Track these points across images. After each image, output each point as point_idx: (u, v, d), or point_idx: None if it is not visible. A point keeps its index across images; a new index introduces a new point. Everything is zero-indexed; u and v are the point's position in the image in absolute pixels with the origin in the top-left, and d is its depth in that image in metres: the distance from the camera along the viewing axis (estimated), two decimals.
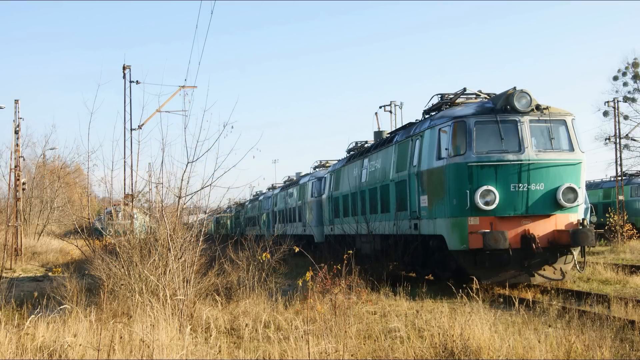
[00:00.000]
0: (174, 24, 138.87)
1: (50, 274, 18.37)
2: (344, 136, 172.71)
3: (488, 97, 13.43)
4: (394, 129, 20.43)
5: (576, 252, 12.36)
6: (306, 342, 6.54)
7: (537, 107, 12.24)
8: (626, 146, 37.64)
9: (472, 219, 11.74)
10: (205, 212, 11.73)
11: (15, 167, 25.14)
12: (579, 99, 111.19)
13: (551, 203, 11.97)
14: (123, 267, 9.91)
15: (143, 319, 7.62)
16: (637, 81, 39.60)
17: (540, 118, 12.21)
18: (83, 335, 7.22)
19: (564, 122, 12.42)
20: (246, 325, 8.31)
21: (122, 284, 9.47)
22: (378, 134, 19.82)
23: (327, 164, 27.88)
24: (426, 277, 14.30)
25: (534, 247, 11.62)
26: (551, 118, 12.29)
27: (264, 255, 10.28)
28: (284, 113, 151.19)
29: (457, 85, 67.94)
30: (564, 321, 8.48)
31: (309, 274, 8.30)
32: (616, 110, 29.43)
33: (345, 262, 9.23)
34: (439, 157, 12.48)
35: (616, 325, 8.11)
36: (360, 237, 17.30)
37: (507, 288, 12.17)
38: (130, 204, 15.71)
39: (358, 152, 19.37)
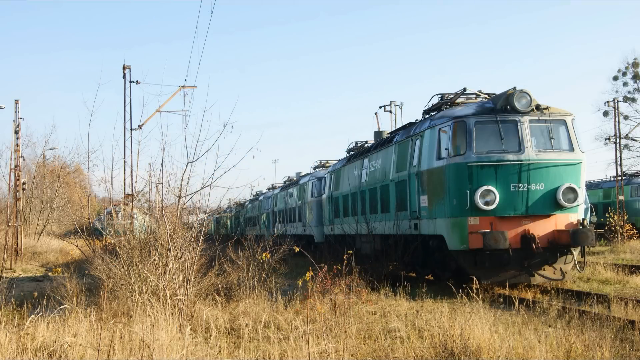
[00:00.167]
0: (174, 24, 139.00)
1: (50, 274, 18.37)
2: (344, 136, 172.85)
3: (488, 97, 13.43)
4: (394, 129, 20.43)
5: (576, 252, 12.36)
6: (306, 342, 6.54)
7: (537, 107, 12.24)
8: (626, 146, 37.66)
9: (472, 219, 11.75)
10: (205, 212, 11.73)
11: (15, 167, 25.15)
12: (579, 99, 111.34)
13: (551, 203, 11.97)
14: (123, 267, 9.91)
15: (143, 319, 7.62)
16: (637, 81, 39.60)
17: (540, 118, 12.20)
18: (83, 335, 7.22)
19: (564, 122, 12.42)
20: (246, 325, 8.31)
21: (122, 284, 9.47)
22: (378, 134, 19.81)
23: (327, 164, 27.87)
24: (426, 277, 14.29)
25: (534, 247, 11.62)
26: (551, 118, 12.29)
27: (264, 255, 10.27)
28: (284, 113, 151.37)
29: (457, 85, 67.99)
30: (564, 321, 8.48)
31: (309, 274, 8.29)
32: (616, 110, 29.44)
33: (345, 262, 9.22)
34: (439, 157, 12.48)
35: (616, 325, 8.11)
36: (360, 237, 17.30)
37: (507, 288, 12.17)
38: (130, 204, 15.71)
39: (358, 152, 19.36)
